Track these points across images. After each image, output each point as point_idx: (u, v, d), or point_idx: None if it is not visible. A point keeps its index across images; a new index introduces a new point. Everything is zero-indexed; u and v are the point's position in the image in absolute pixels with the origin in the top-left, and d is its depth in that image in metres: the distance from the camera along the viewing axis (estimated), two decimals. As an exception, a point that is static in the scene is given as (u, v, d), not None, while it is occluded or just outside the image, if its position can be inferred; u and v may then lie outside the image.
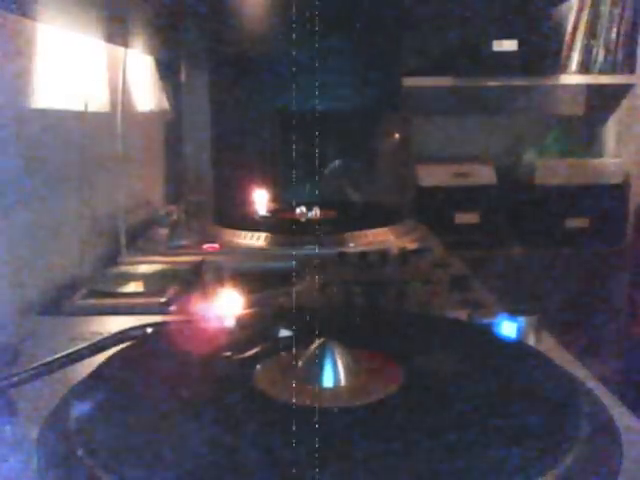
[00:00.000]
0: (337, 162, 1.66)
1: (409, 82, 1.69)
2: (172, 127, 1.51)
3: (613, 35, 1.73)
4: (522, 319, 0.61)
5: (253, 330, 0.63)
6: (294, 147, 1.69)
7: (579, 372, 0.55)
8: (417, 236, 1.12)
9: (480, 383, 0.50)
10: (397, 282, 0.83)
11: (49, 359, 0.53)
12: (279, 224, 1.18)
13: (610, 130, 1.88)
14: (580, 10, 1.74)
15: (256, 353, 0.55)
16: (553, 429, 0.42)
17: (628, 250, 1.75)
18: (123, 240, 1.04)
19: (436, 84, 1.71)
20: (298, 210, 1.20)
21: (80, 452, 0.39)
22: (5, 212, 0.73)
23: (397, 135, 1.71)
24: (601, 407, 0.47)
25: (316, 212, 1.20)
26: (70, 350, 0.55)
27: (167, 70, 1.47)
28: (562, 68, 1.75)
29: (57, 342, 0.62)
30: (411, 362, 0.52)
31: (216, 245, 1.05)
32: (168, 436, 0.42)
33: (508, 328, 0.61)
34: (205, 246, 1.04)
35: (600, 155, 1.91)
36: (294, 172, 1.68)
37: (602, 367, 1.60)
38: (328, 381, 0.49)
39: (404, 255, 0.94)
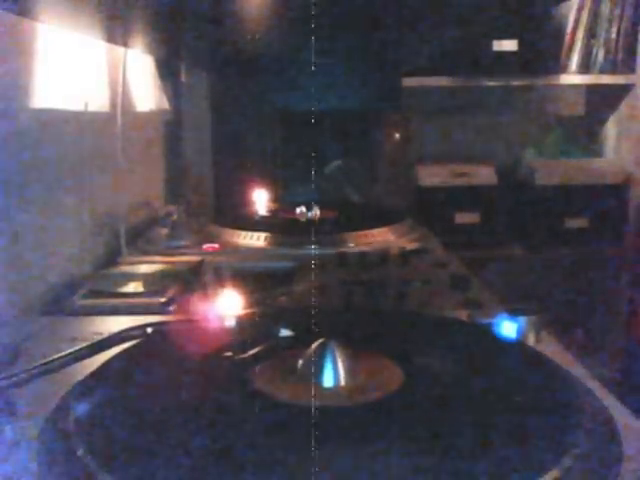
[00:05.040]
0: (337, 162, 1.66)
1: (409, 82, 1.68)
2: (172, 127, 1.51)
3: (613, 35, 1.73)
4: (522, 319, 0.61)
5: (253, 330, 0.63)
6: (294, 147, 1.69)
7: (579, 372, 0.55)
8: (417, 236, 1.12)
9: (480, 383, 0.50)
10: (397, 282, 0.83)
11: (49, 359, 0.53)
12: (279, 224, 1.18)
13: (610, 130, 1.88)
14: (580, 10, 1.73)
15: (256, 353, 0.55)
16: (553, 429, 0.42)
17: (628, 250, 1.75)
18: (123, 240, 1.04)
19: (436, 84, 1.71)
20: (298, 210, 1.20)
21: (80, 452, 0.39)
22: (5, 212, 0.73)
23: (397, 135, 1.71)
24: (601, 407, 0.47)
25: (316, 212, 1.20)
26: (70, 350, 0.55)
27: (167, 70, 1.47)
28: (562, 68, 1.75)
29: (57, 342, 0.62)
30: (411, 362, 0.52)
31: (216, 245, 1.05)
32: (168, 436, 0.42)
33: (508, 328, 0.61)
34: (205, 246, 1.04)
35: (600, 155, 1.90)
36: (294, 172, 1.68)
37: (602, 367, 1.60)
38: (328, 381, 0.49)
39: (404, 255, 0.94)
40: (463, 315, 0.68)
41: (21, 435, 0.45)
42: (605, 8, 1.73)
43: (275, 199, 1.37)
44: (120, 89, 1.11)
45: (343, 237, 1.06)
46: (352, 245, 1.04)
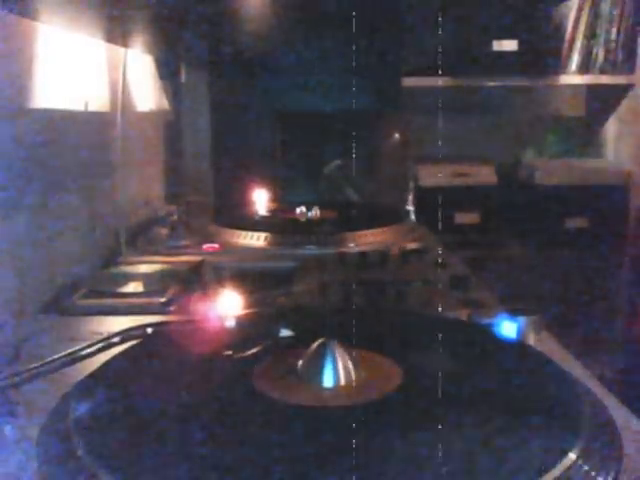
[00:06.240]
0: (337, 162, 1.66)
1: (409, 82, 1.68)
2: (172, 127, 1.51)
3: (613, 35, 1.73)
4: (522, 319, 0.61)
5: (253, 330, 0.63)
6: (294, 147, 1.69)
7: (579, 372, 0.55)
8: (417, 236, 1.12)
9: (480, 383, 0.50)
10: (397, 282, 0.83)
11: (49, 359, 0.53)
12: (279, 224, 1.18)
13: (610, 130, 1.88)
14: (580, 10, 1.73)
15: (256, 353, 0.55)
16: (553, 429, 0.42)
17: (628, 250, 1.75)
18: (123, 240, 1.04)
19: (436, 84, 1.71)
20: (298, 210, 1.20)
21: (80, 452, 0.39)
22: (6, 212, 0.73)
23: (397, 135, 1.71)
24: (601, 407, 0.47)
25: (316, 212, 1.20)
26: (70, 350, 0.55)
27: (167, 70, 1.47)
28: (562, 68, 1.75)
29: (57, 342, 0.62)
30: (411, 362, 0.52)
31: (216, 245, 1.05)
32: (168, 436, 0.42)
33: (508, 328, 0.61)
34: (205, 246, 1.04)
35: (600, 155, 1.90)
36: (294, 172, 1.68)
37: (602, 367, 1.60)
38: (328, 381, 0.49)
39: (404, 255, 0.94)
40: (463, 315, 0.68)
41: (21, 435, 0.45)
42: (605, 8, 1.73)
43: (275, 199, 1.37)
44: (120, 89, 1.11)
45: (343, 237, 1.06)
46: (352, 245, 1.04)
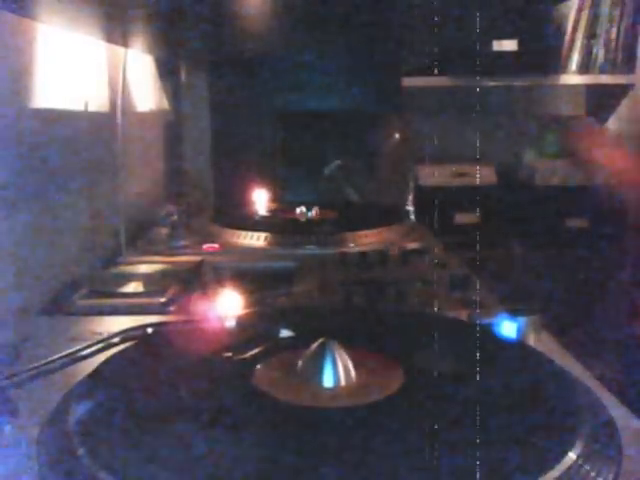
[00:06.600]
0: (337, 162, 1.66)
1: (409, 82, 1.68)
2: (172, 127, 1.51)
3: (613, 35, 1.73)
4: (522, 319, 0.61)
5: (253, 330, 0.63)
6: (294, 147, 1.69)
7: (579, 372, 0.55)
8: (417, 236, 1.12)
9: (480, 383, 0.50)
10: (397, 282, 0.83)
11: (49, 359, 0.53)
12: (279, 224, 1.18)
13: (610, 130, 1.88)
14: (580, 10, 1.73)
15: (256, 353, 0.55)
16: (553, 429, 0.42)
17: (628, 250, 1.75)
18: (123, 240, 1.04)
19: (436, 84, 1.71)
20: (298, 210, 1.20)
21: (80, 452, 0.39)
22: (6, 212, 0.73)
23: (397, 135, 1.71)
24: (601, 407, 0.47)
25: (316, 212, 1.20)
26: (70, 350, 0.55)
27: (167, 70, 1.47)
28: (562, 68, 1.75)
29: (57, 342, 0.62)
30: (411, 362, 0.52)
31: (216, 245, 1.05)
32: (168, 436, 0.42)
33: (508, 328, 0.61)
34: (205, 246, 1.04)
35: (600, 155, 1.90)
36: (294, 172, 1.68)
37: (602, 367, 1.60)
38: (328, 381, 0.49)
39: (404, 255, 0.94)
40: (463, 315, 0.68)
41: (21, 435, 0.45)
42: (605, 8, 1.73)
43: (275, 199, 1.37)
44: (120, 89, 1.11)
45: (343, 237, 1.06)
46: (352, 245, 1.04)
